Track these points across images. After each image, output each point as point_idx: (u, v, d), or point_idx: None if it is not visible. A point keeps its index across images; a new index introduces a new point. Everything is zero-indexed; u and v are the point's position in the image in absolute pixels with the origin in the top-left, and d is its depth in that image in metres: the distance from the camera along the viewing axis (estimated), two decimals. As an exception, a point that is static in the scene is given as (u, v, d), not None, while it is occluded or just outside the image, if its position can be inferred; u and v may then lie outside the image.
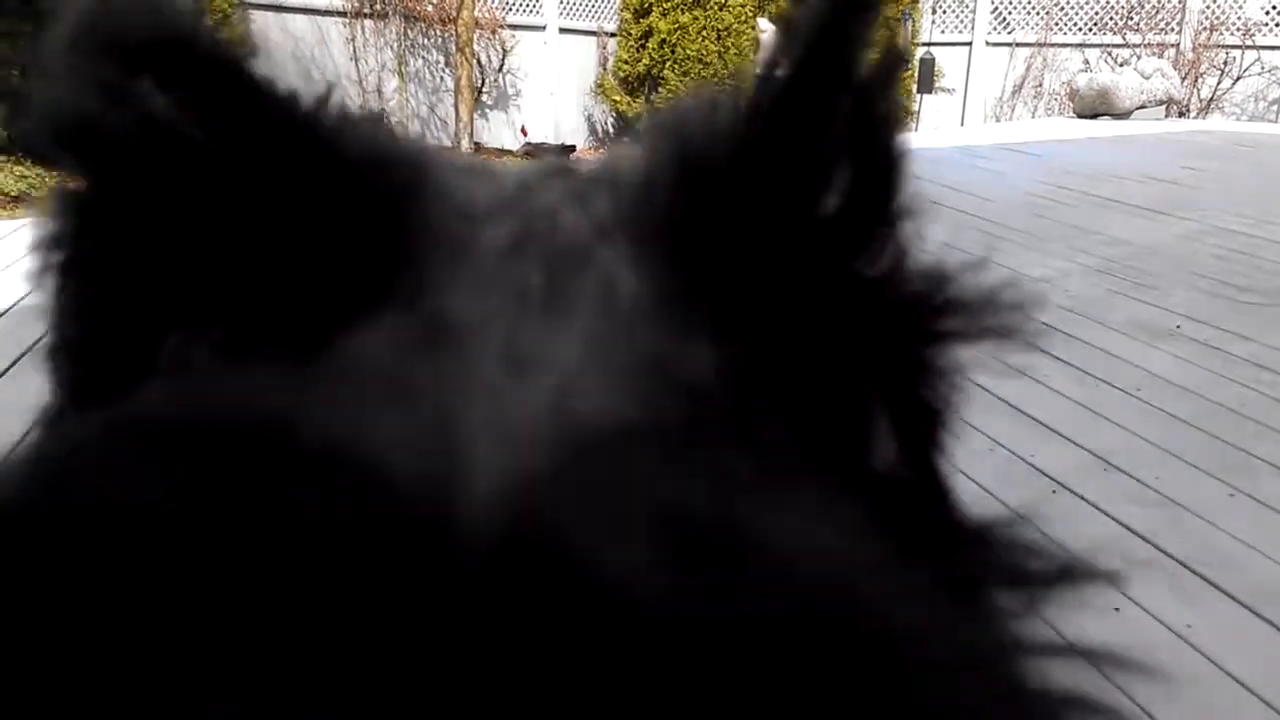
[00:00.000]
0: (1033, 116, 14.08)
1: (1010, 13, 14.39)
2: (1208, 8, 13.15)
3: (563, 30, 14.13)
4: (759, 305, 0.28)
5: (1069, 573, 0.27)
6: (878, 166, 0.30)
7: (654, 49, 13.95)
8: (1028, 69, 14.26)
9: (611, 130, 14.97)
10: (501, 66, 13.38)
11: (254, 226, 0.28)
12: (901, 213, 0.31)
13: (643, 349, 0.25)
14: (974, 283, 0.31)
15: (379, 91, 12.47)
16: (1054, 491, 2.42)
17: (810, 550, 0.19)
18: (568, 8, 14.21)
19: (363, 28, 12.34)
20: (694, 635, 0.16)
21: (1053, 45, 14.04)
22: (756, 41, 14.18)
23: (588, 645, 0.16)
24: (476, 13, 12.19)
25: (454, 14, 11.98)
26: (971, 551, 0.28)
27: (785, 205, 0.28)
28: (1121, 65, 12.92)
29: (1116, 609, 1.89)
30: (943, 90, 14.71)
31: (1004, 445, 2.70)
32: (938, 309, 0.31)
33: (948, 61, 14.62)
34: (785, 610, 0.17)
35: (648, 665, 0.16)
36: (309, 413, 0.20)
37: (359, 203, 0.28)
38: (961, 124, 14.60)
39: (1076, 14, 13.96)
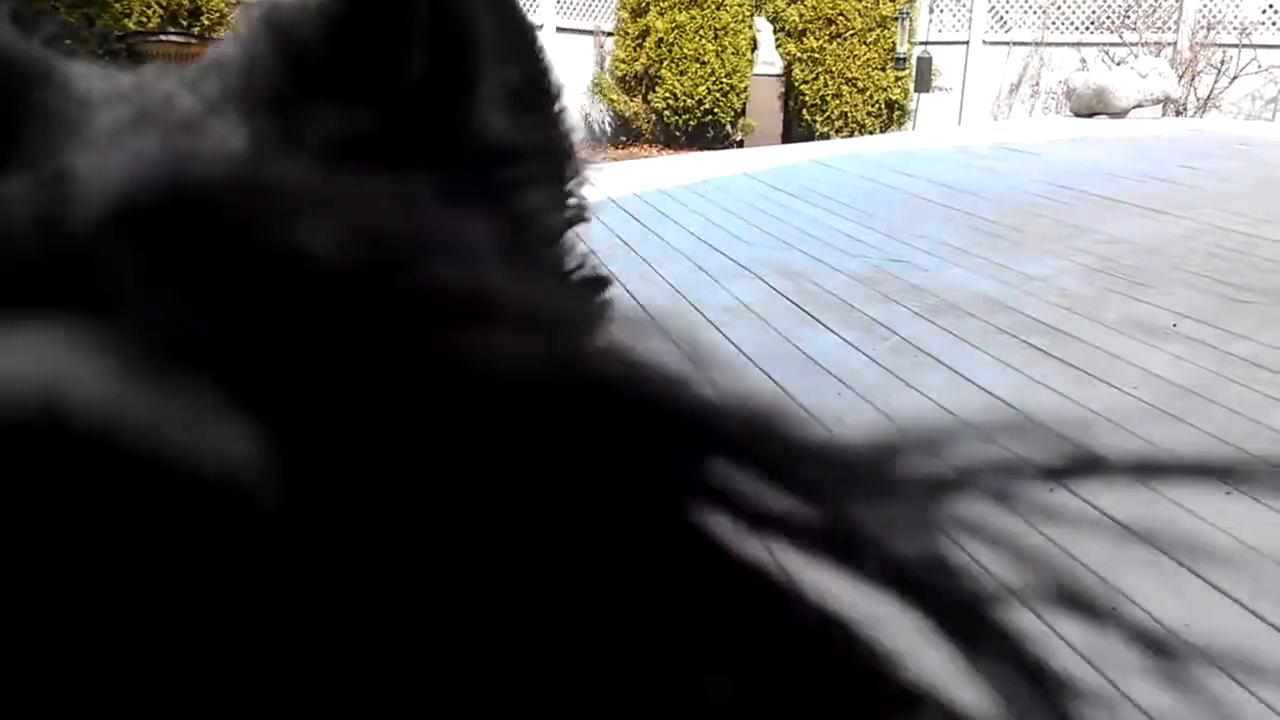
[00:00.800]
0: (1030, 116, 14.09)
1: (1007, 12, 14.40)
2: (1204, 7, 13.15)
3: (560, 29, 14.13)
4: (357, 159, 0.31)
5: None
6: (454, 45, 0.34)
7: (651, 48, 13.94)
8: (1025, 68, 14.26)
9: (609, 129, 14.97)
10: (499, 66, 13.35)
11: None
12: (481, 82, 0.35)
13: None
14: (545, 133, 0.37)
15: (376, 91, 12.45)
16: (1050, 490, 2.42)
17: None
18: (564, 7, 14.21)
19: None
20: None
21: (1050, 44, 14.05)
22: (753, 40, 14.19)
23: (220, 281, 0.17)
24: (473, 12, 12.18)
25: (451, 13, 11.97)
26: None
27: (373, 76, 0.33)
28: (1118, 64, 12.93)
29: (1114, 608, 1.89)
30: (940, 89, 14.71)
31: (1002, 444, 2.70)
32: (512, 156, 0.36)
33: (945, 61, 14.62)
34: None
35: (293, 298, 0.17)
36: None
37: None
38: (959, 123, 14.60)
39: (1073, 13, 13.97)
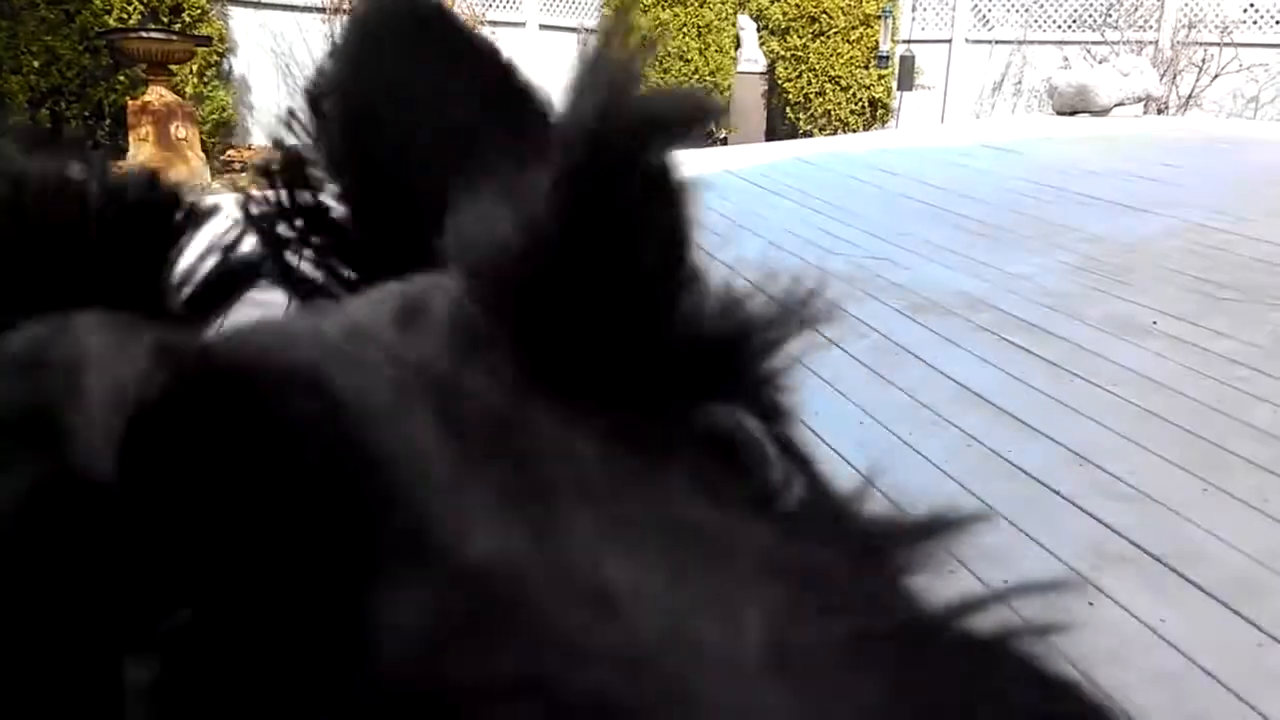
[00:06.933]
0: (1012, 114, 14.13)
1: (990, 10, 14.43)
2: (1186, 5, 13.21)
3: (543, 27, 14.12)
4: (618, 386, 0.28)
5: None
6: (672, 238, 0.31)
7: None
8: (1007, 66, 14.30)
9: (592, 127, 14.97)
10: (482, 63, 13.34)
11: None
12: (696, 267, 0.32)
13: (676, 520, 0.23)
14: (770, 294, 0.34)
15: (359, 88, 12.42)
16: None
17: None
18: (548, 4, 14.19)
19: (342, 24, 12.29)
20: None
21: (1032, 43, 14.09)
22: (736, 38, 14.20)
23: None
24: (456, 9, 12.16)
25: (434, 10, 11.94)
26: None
27: (608, 297, 0.29)
28: (1100, 63, 12.98)
29: (1091, 603, 1.90)
30: (923, 88, 14.75)
31: (980, 440, 2.71)
32: (749, 333, 0.32)
33: (928, 59, 14.66)
34: None
35: None
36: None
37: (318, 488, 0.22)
38: (942, 121, 14.64)
39: (1056, 11, 14.01)
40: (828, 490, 0.32)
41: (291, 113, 0.40)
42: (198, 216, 0.35)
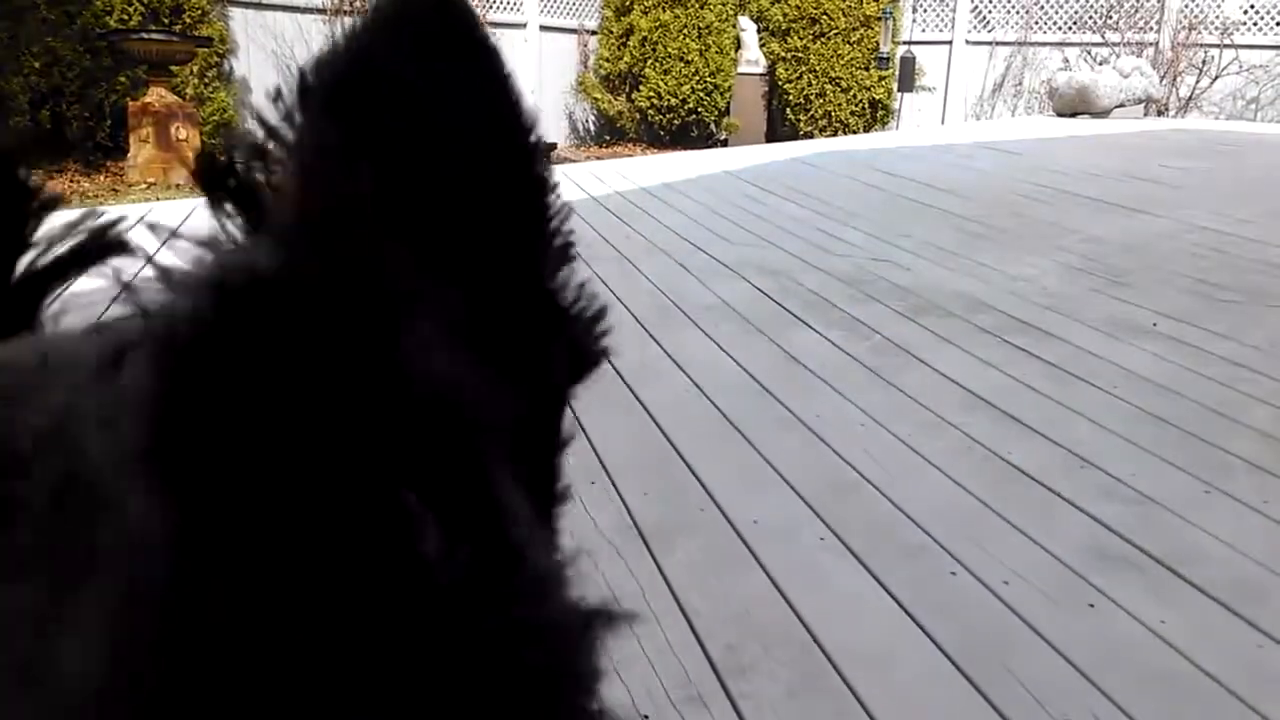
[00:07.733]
0: (1013, 115, 14.13)
1: (990, 11, 14.43)
2: (1186, 7, 13.21)
3: (544, 28, 14.11)
4: None
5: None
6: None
7: (635, 47, 13.93)
8: (1008, 68, 14.30)
9: (593, 128, 14.96)
10: (482, 64, 13.33)
11: None
12: None
13: None
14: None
15: (359, 89, 12.41)
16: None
17: None
18: (549, 5, 14.19)
19: (343, 25, 12.29)
20: None
21: (1032, 44, 14.10)
22: (737, 39, 14.21)
23: None
24: (457, 10, 12.14)
25: (435, 11, 11.94)
26: None
27: None
28: (1101, 64, 12.98)
29: (1091, 605, 1.90)
30: (923, 89, 14.75)
31: (981, 442, 2.71)
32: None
33: (928, 60, 14.66)
34: None
35: None
36: None
37: None
38: (942, 122, 14.64)
39: (1056, 13, 14.01)
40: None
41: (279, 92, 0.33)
42: (43, 206, 0.36)
